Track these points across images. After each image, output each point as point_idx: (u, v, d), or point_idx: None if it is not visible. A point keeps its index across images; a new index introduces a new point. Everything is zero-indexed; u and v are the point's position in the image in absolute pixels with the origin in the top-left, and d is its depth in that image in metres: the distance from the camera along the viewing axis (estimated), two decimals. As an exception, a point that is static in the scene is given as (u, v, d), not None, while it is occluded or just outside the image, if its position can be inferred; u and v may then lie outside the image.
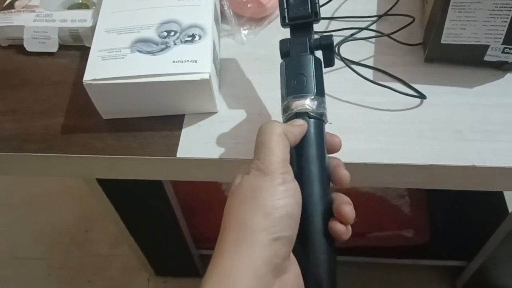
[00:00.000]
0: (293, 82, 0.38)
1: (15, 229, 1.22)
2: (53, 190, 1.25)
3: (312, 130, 0.37)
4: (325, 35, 0.41)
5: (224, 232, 0.32)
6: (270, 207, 0.31)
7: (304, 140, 0.37)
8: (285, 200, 0.32)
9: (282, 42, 0.41)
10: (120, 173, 0.50)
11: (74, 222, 1.20)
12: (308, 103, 0.37)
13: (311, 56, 0.39)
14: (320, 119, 0.38)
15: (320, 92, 0.38)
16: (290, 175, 0.34)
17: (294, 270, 0.33)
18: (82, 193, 1.21)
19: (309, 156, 0.36)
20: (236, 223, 0.32)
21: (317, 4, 0.41)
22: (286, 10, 0.42)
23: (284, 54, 0.41)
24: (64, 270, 1.14)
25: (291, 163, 0.35)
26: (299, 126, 0.36)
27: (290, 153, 0.36)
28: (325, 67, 0.41)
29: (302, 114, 0.37)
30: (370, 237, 0.93)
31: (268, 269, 0.30)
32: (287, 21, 0.42)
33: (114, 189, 0.71)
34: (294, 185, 0.34)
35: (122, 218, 0.79)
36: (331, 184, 0.38)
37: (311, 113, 0.37)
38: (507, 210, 0.92)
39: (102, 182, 0.69)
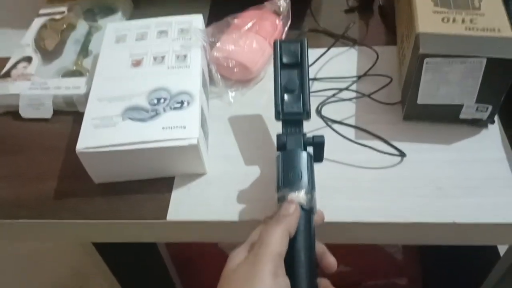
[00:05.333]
0: (290, 175, 0.41)
1: (11, 286, 1.20)
2: (48, 246, 1.24)
3: (302, 222, 0.39)
4: (317, 135, 0.45)
5: None
6: None
7: (295, 232, 0.39)
8: None
9: (279, 136, 0.45)
10: (111, 236, 0.51)
11: (69, 278, 1.19)
12: (302, 196, 0.40)
13: (305, 152, 0.43)
14: (310, 211, 0.40)
15: (313, 187, 0.41)
16: (282, 270, 0.35)
17: None
18: (77, 249, 1.20)
19: (300, 247, 0.38)
20: None
21: (309, 104, 0.46)
22: (281, 106, 0.46)
23: (281, 147, 0.44)
24: (57, 328, 1.12)
25: None
26: (294, 215, 0.38)
27: None
28: (314, 161, 0.44)
29: None
30: (365, 286, 0.93)
31: None
32: (281, 116, 0.46)
33: (107, 249, 0.72)
34: (285, 282, 0.35)
35: (115, 276, 0.79)
36: None
37: (304, 206, 0.40)
38: (498, 254, 0.93)
39: (96, 242, 0.70)
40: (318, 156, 0.45)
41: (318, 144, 0.45)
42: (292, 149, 0.43)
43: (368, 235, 0.48)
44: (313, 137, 0.45)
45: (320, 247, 0.40)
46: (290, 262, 0.37)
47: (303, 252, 0.38)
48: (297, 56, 0.48)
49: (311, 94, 0.56)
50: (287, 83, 0.47)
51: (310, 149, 0.45)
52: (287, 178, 0.41)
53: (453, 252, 0.95)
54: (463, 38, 0.47)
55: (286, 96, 0.47)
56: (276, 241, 0.36)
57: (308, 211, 0.40)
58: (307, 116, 0.46)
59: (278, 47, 0.49)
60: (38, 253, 1.24)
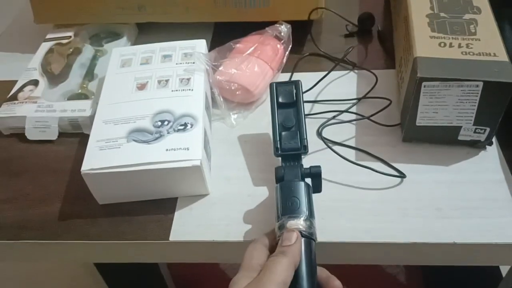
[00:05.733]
0: (288, 203, 0.43)
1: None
2: (49, 267, 1.24)
3: (303, 248, 0.40)
4: (314, 166, 0.46)
5: None
6: None
7: None
8: None
9: (278, 169, 0.47)
10: (114, 257, 0.51)
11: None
12: (301, 223, 0.41)
13: (303, 182, 0.44)
14: (310, 238, 0.41)
15: (311, 214, 0.43)
16: None
17: None
18: (78, 270, 1.20)
19: (301, 273, 0.39)
20: None
21: (306, 140, 0.48)
22: (279, 142, 0.49)
23: (279, 179, 0.46)
24: None
25: None
26: (297, 244, 0.39)
27: None
28: (313, 192, 0.46)
29: None
30: (367, 308, 0.92)
31: None
32: (279, 152, 0.48)
33: (108, 269, 0.72)
34: None
35: (116, 297, 0.79)
36: None
37: (303, 232, 0.41)
38: (500, 275, 0.93)
39: (97, 263, 0.70)
40: (316, 186, 0.47)
41: (315, 175, 0.46)
42: (290, 180, 0.45)
43: (369, 256, 0.48)
44: (310, 167, 0.46)
45: (323, 272, 0.41)
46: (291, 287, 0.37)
47: (305, 279, 0.38)
48: (292, 96, 0.51)
49: (312, 116, 0.58)
50: (284, 121, 0.50)
51: (308, 180, 0.46)
52: (285, 206, 0.43)
53: (455, 273, 0.95)
54: (460, 62, 0.48)
55: (284, 133, 0.49)
56: (282, 269, 0.36)
57: (308, 238, 0.41)
58: (305, 150, 0.48)
59: (274, 89, 0.52)
60: (38, 273, 1.23)
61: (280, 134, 0.49)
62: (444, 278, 0.96)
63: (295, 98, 0.51)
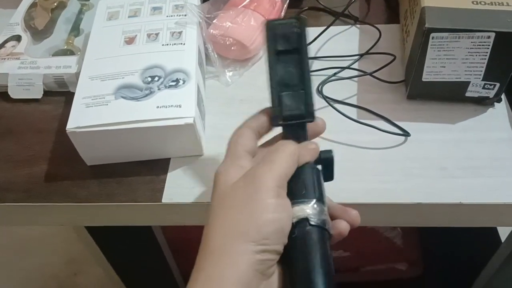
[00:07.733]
0: (292, 187, 0.34)
1: (2, 274, 1.19)
2: (42, 233, 1.23)
3: (314, 239, 0.32)
4: (325, 150, 0.37)
5: (210, 235, 0.32)
6: (262, 220, 0.31)
7: (305, 251, 0.32)
8: (279, 215, 0.32)
9: None
10: (104, 220, 0.49)
11: (62, 266, 1.18)
12: (309, 209, 0.33)
13: (308, 164, 0.35)
14: (323, 228, 0.33)
15: (321, 199, 0.34)
16: (285, 190, 0.33)
17: (279, 269, 0.33)
18: (71, 236, 1.19)
19: (314, 272, 0.32)
20: (225, 229, 0.32)
21: (313, 105, 0.37)
22: (280, 109, 0.37)
23: None
24: (52, 316, 1.11)
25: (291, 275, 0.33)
26: (311, 150, 0.36)
27: (290, 263, 0.33)
28: (325, 181, 0.36)
29: (302, 222, 0.33)
30: (364, 271, 0.92)
31: (255, 275, 0.30)
32: (280, 122, 0.37)
33: (101, 234, 0.70)
34: (287, 201, 0.33)
35: (110, 262, 0.78)
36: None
37: (312, 221, 0.32)
38: (499, 240, 0.92)
39: (89, 227, 0.68)
40: (327, 174, 0.37)
41: (326, 161, 0.36)
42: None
43: (372, 218, 0.46)
44: (320, 152, 0.36)
45: (337, 208, 0.37)
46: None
47: (320, 279, 0.31)
48: (294, 40, 0.37)
49: (311, 73, 0.53)
50: (284, 76, 0.37)
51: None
52: (289, 190, 0.34)
53: (453, 237, 0.94)
54: (470, 12, 0.45)
55: (284, 94, 0.37)
56: (282, 160, 0.33)
57: (320, 228, 0.32)
58: (311, 117, 0.37)
59: (270, 29, 0.37)
60: (30, 240, 1.23)
61: (279, 96, 0.37)
62: (441, 242, 0.96)
63: (298, 44, 0.37)
